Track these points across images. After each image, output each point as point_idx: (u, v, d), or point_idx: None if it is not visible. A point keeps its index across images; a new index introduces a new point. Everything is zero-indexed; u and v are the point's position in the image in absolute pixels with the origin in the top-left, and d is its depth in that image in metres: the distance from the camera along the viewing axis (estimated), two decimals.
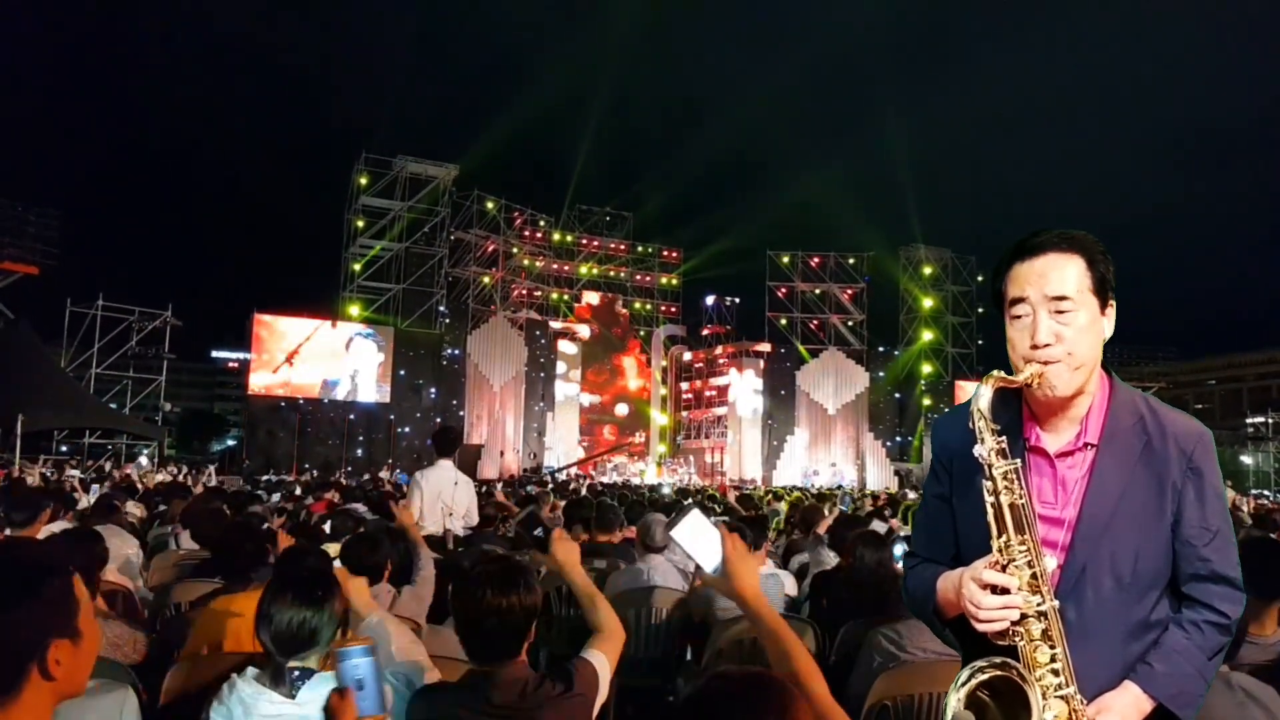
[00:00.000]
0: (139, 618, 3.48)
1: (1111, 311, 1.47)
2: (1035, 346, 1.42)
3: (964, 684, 1.33)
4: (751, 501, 9.61)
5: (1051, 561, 1.40)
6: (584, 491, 13.20)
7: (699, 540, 1.47)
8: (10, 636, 1.05)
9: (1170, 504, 1.44)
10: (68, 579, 1.12)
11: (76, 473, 15.88)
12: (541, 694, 1.95)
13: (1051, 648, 1.34)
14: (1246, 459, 38.70)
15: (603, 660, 2.12)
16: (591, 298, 37.14)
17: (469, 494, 5.70)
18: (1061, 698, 1.33)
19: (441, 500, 5.42)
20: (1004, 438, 1.40)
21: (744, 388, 34.25)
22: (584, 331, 35.71)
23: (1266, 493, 30.90)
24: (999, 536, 1.38)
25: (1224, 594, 1.43)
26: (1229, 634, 1.43)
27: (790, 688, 1.13)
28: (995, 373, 1.44)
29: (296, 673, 1.89)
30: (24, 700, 1.05)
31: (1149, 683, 1.38)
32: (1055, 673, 1.34)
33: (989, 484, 1.39)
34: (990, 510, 1.39)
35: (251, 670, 1.93)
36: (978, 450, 1.39)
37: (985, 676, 1.33)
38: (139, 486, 12.92)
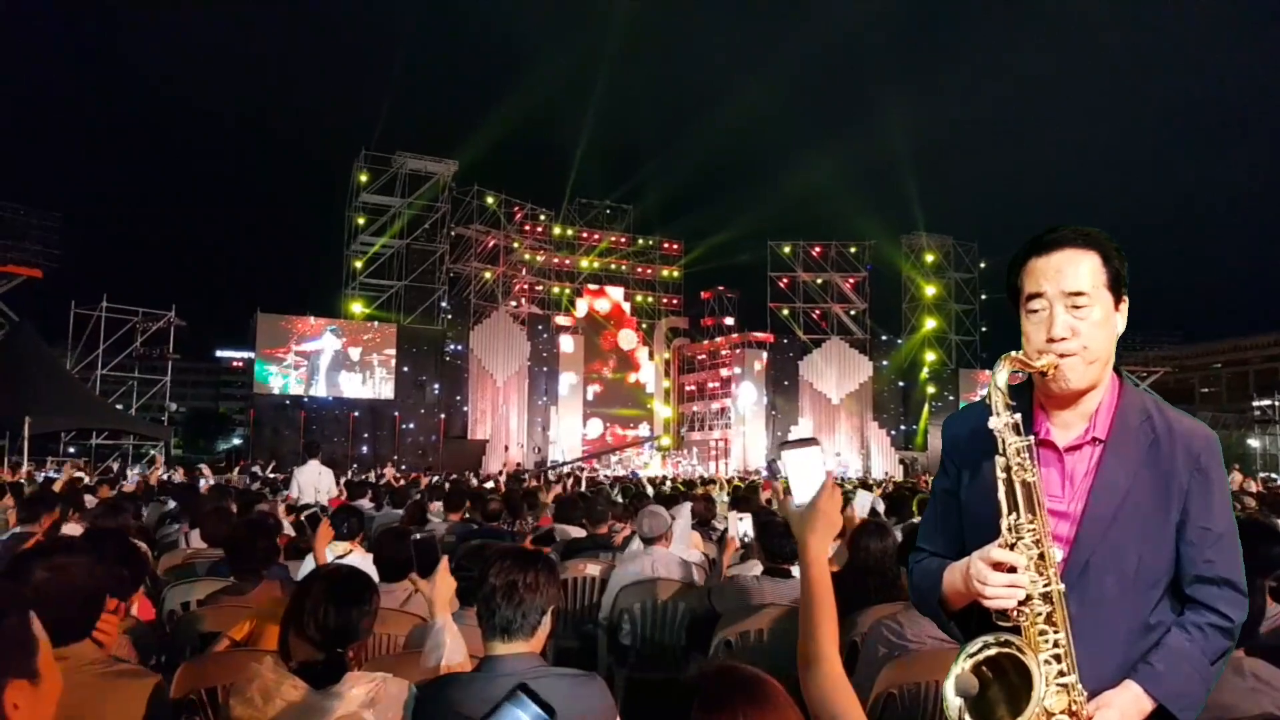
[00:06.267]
0: (150, 618, 3.49)
1: (1124, 307, 1.48)
2: (1051, 340, 1.43)
3: (973, 654, 1.32)
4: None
5: (1057, 554, 1.39)
6: (583, 486, 13.26)
7: (802, 469, 1.43)
8: None
9: (1175, 504, 1.43)
10: (24, 617, 1.04)
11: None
12: (552, 681, 1.92)
13: (1056, 633, 1.34)
14: (1253, 442, 38.50)
15: None
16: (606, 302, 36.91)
17: (330, 481, 8.43)
18: (1062, 686, 1.33)
19: (313, 485, 7.96)
20: (1019, 415, 1.40)
21: (747, 379, 34.24)
22: (582, 308, 35.68)
23: (1275, 475, 30.78)
24: (1009, 514, 1.37)
25: (1227, 597, 1.42)
26: (1231, 638, 1.42)
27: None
28: (1012, 353, 1.45)
29: (322, 665, 1.91)
30: None
31: (1150, 682, 1.37)
32: (1057, 659, 1.33)
33: (1001, 460, 1.39)
34: (1002, 486, 1.38)
35: (270, 660, 1.93)
36: (993, 422, 1.39)
37: (993, 651, 1.33)
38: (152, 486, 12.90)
